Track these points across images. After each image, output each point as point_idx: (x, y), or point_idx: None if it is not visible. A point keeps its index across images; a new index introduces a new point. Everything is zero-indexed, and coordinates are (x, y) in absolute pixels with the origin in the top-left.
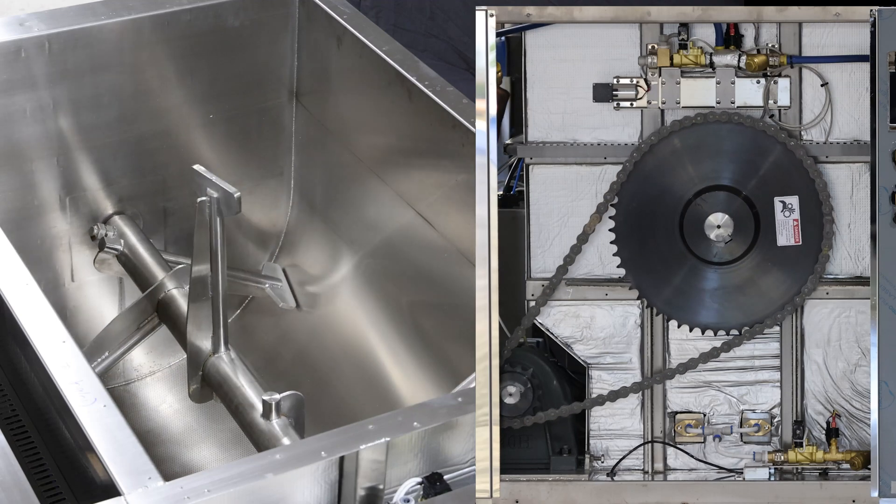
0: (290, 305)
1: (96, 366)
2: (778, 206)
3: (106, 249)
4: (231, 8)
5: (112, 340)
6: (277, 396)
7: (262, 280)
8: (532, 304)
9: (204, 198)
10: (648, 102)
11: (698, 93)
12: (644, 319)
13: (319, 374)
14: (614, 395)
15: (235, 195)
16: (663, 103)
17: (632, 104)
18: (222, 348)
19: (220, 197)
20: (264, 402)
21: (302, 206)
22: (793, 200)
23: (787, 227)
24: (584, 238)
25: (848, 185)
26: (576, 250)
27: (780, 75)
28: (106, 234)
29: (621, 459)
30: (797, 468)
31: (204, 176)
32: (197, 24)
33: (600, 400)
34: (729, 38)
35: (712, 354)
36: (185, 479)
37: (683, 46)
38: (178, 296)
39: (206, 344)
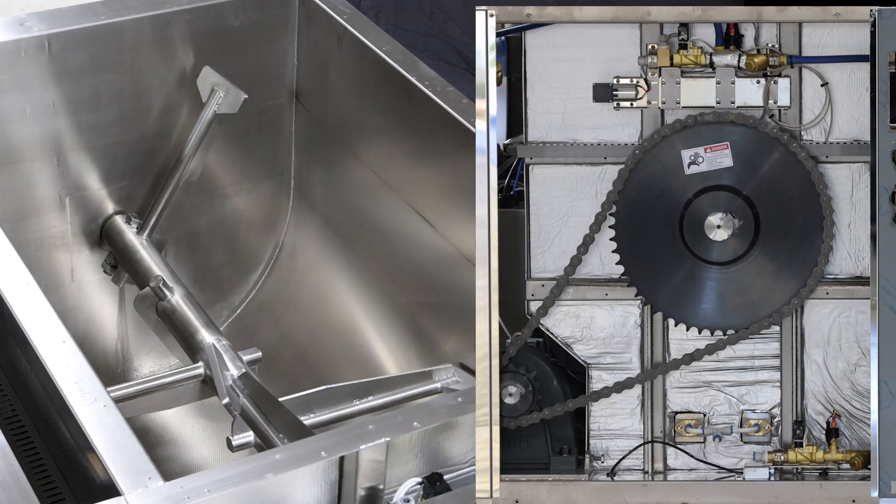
0: (244, 97)
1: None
2: (693, 168)
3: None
4: (231, 8)
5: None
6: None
7: (206, 112)
8: (532, 304)
9: None
10: (648, 102)
11: (698, 93)
12: (644, 319)
13: (319, 374)
14: (596, 397)
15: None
16: (663, 103)
17: (632, 104)
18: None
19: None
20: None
21: (302, 206)
22: (689, 151)
23: (715, 159)
24: (585, 245)
25: (848, 185)
26: (576, 261)
27: (780, 75)
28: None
29: (621, 459)
30: (797, 468)
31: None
32: (197, 24)
33: (594, 397)
34: (729, 38)
35: (711, 354)
36: (185, 479)
37: (683, 46)
38: (178, 300)
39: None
